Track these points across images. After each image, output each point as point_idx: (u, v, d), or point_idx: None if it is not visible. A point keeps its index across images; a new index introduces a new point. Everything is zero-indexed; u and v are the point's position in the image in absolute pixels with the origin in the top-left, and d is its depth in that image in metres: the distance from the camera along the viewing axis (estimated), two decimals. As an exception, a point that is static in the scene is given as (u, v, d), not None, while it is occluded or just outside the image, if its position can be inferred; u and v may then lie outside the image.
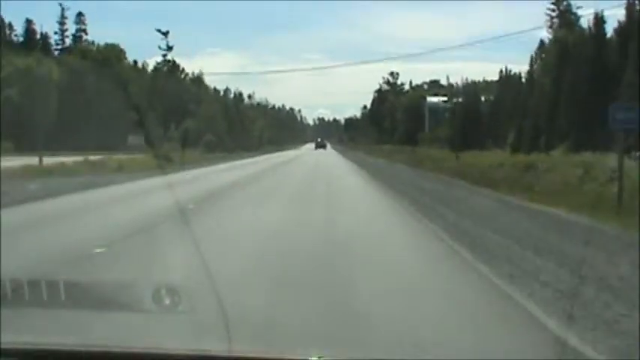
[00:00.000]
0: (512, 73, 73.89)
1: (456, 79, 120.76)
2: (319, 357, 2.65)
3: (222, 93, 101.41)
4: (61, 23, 75.52)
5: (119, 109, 63.45)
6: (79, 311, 5.37)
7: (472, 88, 67.12)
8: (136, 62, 75.91)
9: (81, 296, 5.74)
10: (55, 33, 77.86)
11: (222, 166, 44.35)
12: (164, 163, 41.57)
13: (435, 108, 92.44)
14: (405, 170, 42.07)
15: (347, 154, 77.07)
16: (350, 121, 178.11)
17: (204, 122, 68.94)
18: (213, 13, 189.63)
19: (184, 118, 70.05)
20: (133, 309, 5.40)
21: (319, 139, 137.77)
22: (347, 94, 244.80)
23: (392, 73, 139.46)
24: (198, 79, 78.70)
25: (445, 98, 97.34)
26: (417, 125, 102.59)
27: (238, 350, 3.01)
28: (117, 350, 2.82)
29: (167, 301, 5.01)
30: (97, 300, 5.76)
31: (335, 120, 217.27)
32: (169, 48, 77.00)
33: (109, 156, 43.67)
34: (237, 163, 48.98)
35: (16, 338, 3.01)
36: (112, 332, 4.78)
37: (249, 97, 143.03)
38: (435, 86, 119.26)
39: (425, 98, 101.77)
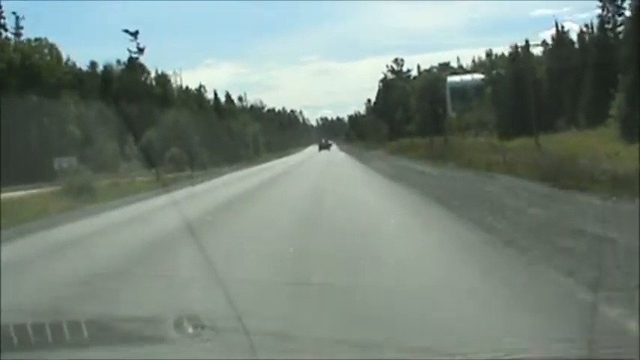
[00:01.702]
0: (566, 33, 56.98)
1: (467, 62, 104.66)
2: None
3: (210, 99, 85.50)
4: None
5: (47, 125, 47.37)
6: (103, 349, 5.16)
7: (525, 55, 49.78)
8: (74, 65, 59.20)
9: (102, 333, 5.38)
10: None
11: (160, 201, 25.23)
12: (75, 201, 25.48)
13: (459, 88, 75.81)
14: (476, 183, 22.10)
15: (359, 156, 60.71)
16: (355, 118, 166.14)
17: (171, 132, 52.69)
18: (205, 25, 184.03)
19: (147, 128, 53.74)
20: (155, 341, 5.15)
21: (323, 140, 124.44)
22: (348, 92, 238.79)
23: (396, 60, 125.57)
24: (163, 79, 62.17)
25: (468, 77, 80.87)
26: (437, 111, 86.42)
27: None
28: None
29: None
30: (118, 336, 5.42)
31: (338, 119, 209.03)
32: (140, 50, 61.15)
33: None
34: (194, 190, 31.21)
35: None
36: None
37: (240, 99, 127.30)
38: (446, 69, 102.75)
39: (444, 79, 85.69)
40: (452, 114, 78.44)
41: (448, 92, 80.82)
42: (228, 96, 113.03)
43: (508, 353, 3.47)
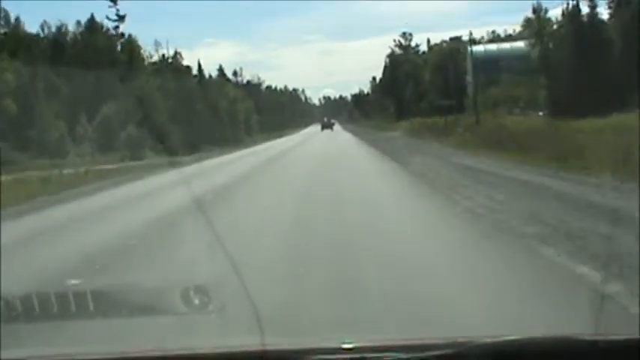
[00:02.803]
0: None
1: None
2: (353, 344, 2.59)
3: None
4: None
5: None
6: (109, 320, 5.22)
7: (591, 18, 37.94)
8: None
9: (109, 305, 5.39)
10: None
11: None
12: None
13: (484, 59, 64.59)
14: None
15: (371, 139, 48.55)
16: (359, 97, 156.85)
17: (135, 108, 41.93)
18: (207, 3, 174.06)
19: (106, 104, 43.03)
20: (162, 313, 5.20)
21: (325, 119, 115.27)
22: (351, 72, 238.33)
23: (404, 34, 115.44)
24: (129, 44, 50.83)
25: (493, 46, 69.78)
26: (455, 87, 75.61)
27: (272, 343, 2.78)
28: (153, 354, 2.79)
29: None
30: (125, 307, 5.40)
31: (342, 97, 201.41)
32: (120, 18, 50.12)
33: None
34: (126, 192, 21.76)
35: (48, 351, 2.98)
36: (145, 337, 4.79)
37: (235, 74, 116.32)
38: (460, 43, 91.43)
39: (464, 50, 74.66)
40: (472, 91, 67.74)
41: (470, 64, 69.68)
42: (220, 70, 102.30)
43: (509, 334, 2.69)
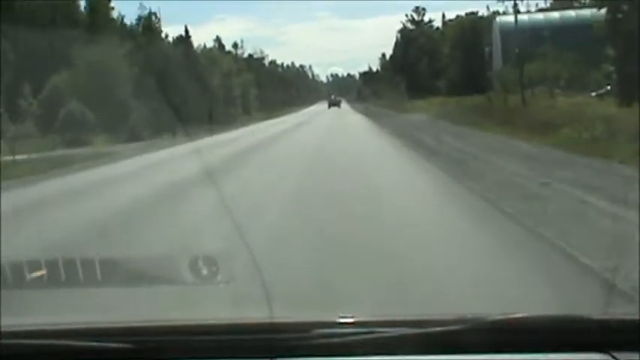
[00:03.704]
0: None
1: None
2: (359, 318, 2.57)
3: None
4: None
5: None
6: (116, 289, 5.12)
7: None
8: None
9: (116, 273, 5.28)
10: None
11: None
12: None
13: (514, 32, 55.29)
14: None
15: (384, 123, 38.35)
16: (368, 74, 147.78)
17: (90, 78, 33.24)
18: None
19: (56, 74, 34.47)
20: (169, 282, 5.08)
21: (333, 97, 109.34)
22: (359, 49, 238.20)
23: (417, 9, 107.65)
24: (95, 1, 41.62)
25: (525, 17, 60.34)
26: (478, 63, 66.69)
27: (280, 316, 2.76)
28: (156, 324, 2.73)
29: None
30: (132, 275, 5.32)
31: (349, 75, 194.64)
32: None
33: None
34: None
35: (52, 319, 2.89)
36: (151, 307, 4.81)
37: (236, 46, 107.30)
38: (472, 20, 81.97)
39: (489, 21, 65.46)
40: (498, 67, 58.86)
41: (498, 37, 60.49)
42: (218, 41, 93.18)
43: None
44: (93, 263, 5.11)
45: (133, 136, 31.89)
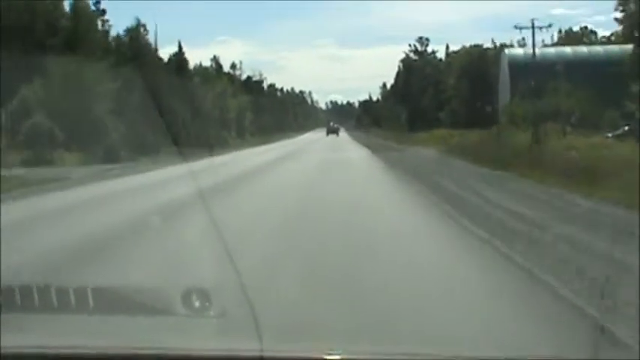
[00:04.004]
0: None
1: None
2: (350, 356, 2.72)
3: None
4: None
5: None
6: (107, 316, 4.89)
7: None
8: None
9: (108, 301, 5.06)
10: None
11: None
12: None
13: (523, 64, 52.44)
14: None
15: (392, 159, 31.80)
16: (367, 103, 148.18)
17: (62, 91, 30.15)
18: (220, 2, 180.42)
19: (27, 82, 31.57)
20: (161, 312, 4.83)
21: (331, 123, 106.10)
22: (359, 79, 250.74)
23: (420, 39, 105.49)
24: (75, 9, 38.25)
25: (540, 50, 57.85)
26: (484, 95, 63.76)
27: (269, 349, 2.86)
28: (146, 352, 2.85)
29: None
30: (124, 304, 5.04)
31: (349, 103, 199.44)
32: None
33: None
34: None
35: (45, 342, 2.99)
36: (141, 335, 4.34)
37: (234, 67, 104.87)
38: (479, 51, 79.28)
39: (498, 53, 62.59)
40: (505, 99, 56.06)
41: (507, 69, 57.76)
42: (215, 60, 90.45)
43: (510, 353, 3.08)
44: (85, 291, 4.95)
45: (109, 157, 28.73)
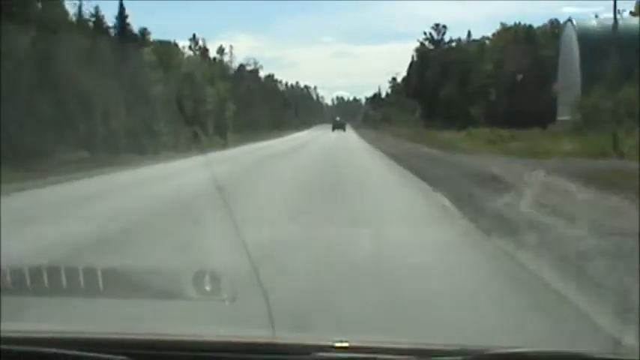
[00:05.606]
0: None
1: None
2: (353, 343, 2.65)
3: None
4: None
5: None
6: (118, 299, 5.02)
7: None
8: None
9: (119, 284, 5.14)
10: None
11: None
12: None
13: (611, 38, 36.93)
14: None
15: (425, 174, 16.43)
16: (376, 98, 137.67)
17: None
18: None
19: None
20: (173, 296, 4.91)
21: (338, 118, 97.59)
22: (366, 75, 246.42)
23: (437, 26, 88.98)
24: None
25: (622, 20, 42.15)
26: (539, 84, 48.37)
27: (282, 337, 2.91)
28: (158, 338, 2.80)
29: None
30: (135, 287, 5.18)
31: (355, 99, 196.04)
32: None
33: None
34: None
35: (46, 327, 3.01)
36: (151, 319, 4.86)
37: (221, 51, 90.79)
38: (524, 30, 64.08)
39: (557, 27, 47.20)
40: (575, 85, 40.78)
41: (575, 46, 42.21)
42: (193, 39, 75.57)
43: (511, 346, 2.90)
44: (95, 272, 4.96)
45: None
